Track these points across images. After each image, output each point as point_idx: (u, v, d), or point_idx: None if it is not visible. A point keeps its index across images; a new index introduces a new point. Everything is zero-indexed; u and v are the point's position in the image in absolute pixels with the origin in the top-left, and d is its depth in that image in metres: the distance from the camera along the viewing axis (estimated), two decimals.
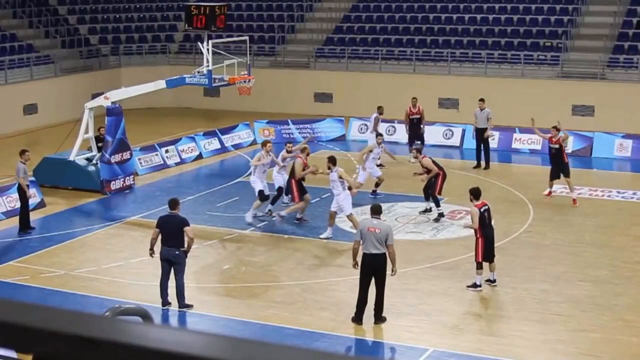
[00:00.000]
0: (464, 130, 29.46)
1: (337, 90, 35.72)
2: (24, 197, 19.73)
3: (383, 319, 14.18)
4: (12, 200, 20.93)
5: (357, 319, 14.14)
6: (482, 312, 14.74)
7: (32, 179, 22.36)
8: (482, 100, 26.11)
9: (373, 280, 14.00)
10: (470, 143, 29.00)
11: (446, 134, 29.73)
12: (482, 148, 25.88)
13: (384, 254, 13.85)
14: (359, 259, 14.02)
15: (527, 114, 30.98)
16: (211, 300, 15.62)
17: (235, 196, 22.68)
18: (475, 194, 15.86)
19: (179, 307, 14.78)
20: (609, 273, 16.62)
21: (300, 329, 14.00)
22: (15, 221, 20.10)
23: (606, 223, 20.04)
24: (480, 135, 25.81)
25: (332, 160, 18.67)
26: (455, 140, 29.40)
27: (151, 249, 14.83)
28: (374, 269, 13.90)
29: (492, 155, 26.38)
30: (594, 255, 17.78)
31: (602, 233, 19.33)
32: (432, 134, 29.44)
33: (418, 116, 26.80)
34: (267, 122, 30.92)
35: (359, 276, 14.14)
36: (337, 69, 36.37)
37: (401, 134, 29.68)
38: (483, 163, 25.87)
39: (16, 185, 20.10)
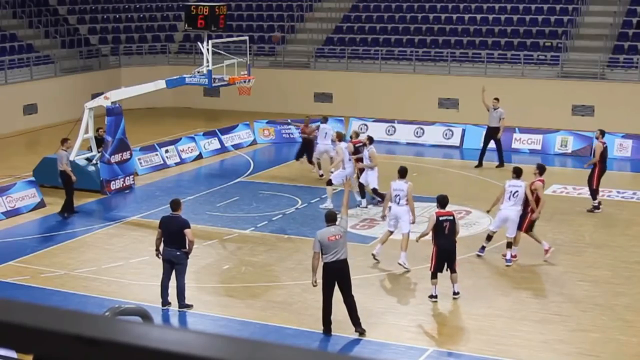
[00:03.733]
0: (463, 130, 29.45)
1: (337, 90, 35.71)
2: (69, 182, 20.78)
3: (363, 331, 13.63)
4: (12, 200, 21.10)
5: (326, 330, 13.64)
6: (482, 312, 14.73)
7: (32, 178, 22.45)
8: (496, 99, 25.38)
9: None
10: (471, 143, 29.00)
11: (446, 134, 29.70)
12: (487, 148, 25.62)
13: (346, 259, 13.51)
14: (319, 271, 13.44)
15: (527, 114, 31.10)
16: (211, 300, 15.61)
17: (235, 196, 22.68)
18: (439, 201, 15.33)
19: (179, 307, 14.79)
20: (608, 273, 16.62)
21: (300, 329, 13.99)
22: (15, 221, 20.49)
23: (606, 223, 20.03)
24: (491, 135, 25.49)
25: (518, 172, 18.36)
26: (455, 140, 29.37)
27: (157, 250, 14.82)
28: (337, 275, 13.44)
29: (492, 155, 26.26)
30: (594, 255, 17.77)
31: (602, 233, 19.33)
32: (432, 134, 29.46)
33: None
34: (267, 122, 30.90)
35: (321, 288, 13.54)
36: (337, 69, 36.37)
37: (401, 134, 29.75)
38: (481, 162, 25.69)
39: (59, 173, 21.03)
